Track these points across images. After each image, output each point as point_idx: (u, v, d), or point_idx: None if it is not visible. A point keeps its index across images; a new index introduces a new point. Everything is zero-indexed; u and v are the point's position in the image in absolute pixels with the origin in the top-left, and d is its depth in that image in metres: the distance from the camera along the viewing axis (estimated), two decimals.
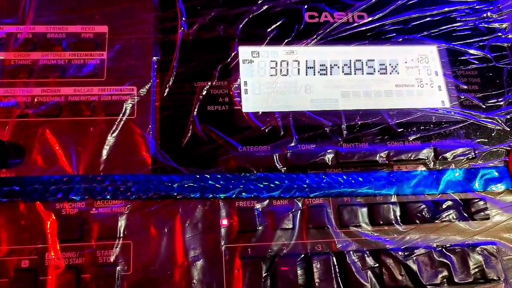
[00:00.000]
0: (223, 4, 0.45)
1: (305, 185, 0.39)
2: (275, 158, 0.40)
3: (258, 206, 0.39)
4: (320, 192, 0.39)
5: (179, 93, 0.41)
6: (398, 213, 0.40)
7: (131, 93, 0.41)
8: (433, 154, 0.42)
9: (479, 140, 0.43)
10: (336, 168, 0.41)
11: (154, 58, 0.42)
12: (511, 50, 0.47)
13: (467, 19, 0.48)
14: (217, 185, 0.38)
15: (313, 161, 0.40)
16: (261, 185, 0.39)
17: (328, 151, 0.41)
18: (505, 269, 0.39)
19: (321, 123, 0.42)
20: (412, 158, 0.41)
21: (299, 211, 0.39)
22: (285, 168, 0.40)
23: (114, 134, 0.39)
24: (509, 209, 0.41)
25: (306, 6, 0.46)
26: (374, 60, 0.45)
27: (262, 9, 0.45)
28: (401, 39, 0.46)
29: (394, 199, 0.40)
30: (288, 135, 0.41)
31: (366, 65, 0.45)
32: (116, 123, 0.40)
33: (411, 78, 0.45)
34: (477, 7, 0.49)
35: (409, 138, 0.42)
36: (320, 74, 0.44)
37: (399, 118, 0.43)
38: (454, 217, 0.40)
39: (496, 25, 0.48)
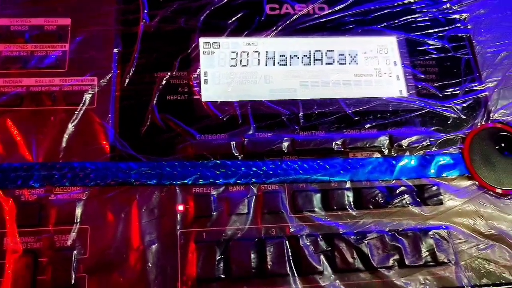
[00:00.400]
0: None
1: (261, 172, 0.40)
2: (232, 145, 0.41)
3: (214, 192, 0.40)
4: (275, 178, 0.40)
5: (139, 83, 0.42)
6: (351, 199, 0.41)
7: (92, 84, 0.42)
8: (388, 141, 0.43)
9: (435, 128, 0.44)
10: (292, 155, 0.42)
11: (115, 49, 0.43)
12: (469, 41, 0.48)
13: (427, 10, 0.49)
14: (174, 172, 0.39)
15: (270, 148, 0.41)
16: (218, 172, 0.40)
17: (285, 139, 0.42)
18: (456, 252, 0.40)
19: (279, 112, 0.43)
20: (367, 146, 0.42)
21: (255, 197, 0.40)
22: (242, 156, 0.41)
23: (74, 123, 0.40)
24: (461, 194, 0.42)
25: None
26: (333, 50, 0.46)
27: (224, 1, 0.46)
28: (360, 30, 0.47)
29: (348, 185, 0.41)
30: (246, 124, 0.42)
31: (326, 55, 0.46)
32: (76, 112, 0.41)
33: (370, 68, 0.46)
34: None
35: (365, 126, 0.43)
36: (280, 65, 0.45)
37: (356, 107, 0.44)
38: (408, 202, 0.41)
39: (455, 16, 0.49)
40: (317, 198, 0.40)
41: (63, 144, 0.40)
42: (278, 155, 0.42)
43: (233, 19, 0.46)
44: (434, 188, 0.42)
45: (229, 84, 0.44)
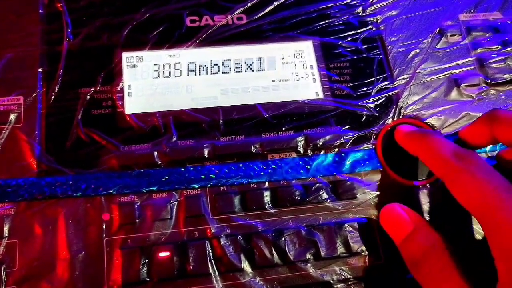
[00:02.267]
0: (107, 14, 0.48)
1: (183, 178, 0.43)
2: (155, 154, 0.43)
3: (137, 200, 0.42)
4: (197, 183, 0.43)
5: (64, 100, 0.44)
6: (269, 198, 0.43)
7: (18, 103, 0.43)
8: (304, 141, 0.45)
9: (349, 126, 0.47)
10: (213, 160, 0.44)
11: (40, 69, 0.45)
12: (382, 41, 0.51)
13: (341, 14, 0.51)
14: (99, 183, 0.42)
15: (191, 155, 0.44)
16: (141, 181, 0.42)
17: (206, 145, 0.44)
18: (369, 243, 0.43)
19: (200, 120, 0.45)
20: (284, 147, 0.45)
21: (177, 202, 0.42)
22: (164, 164, 0.43)
23: (1, 142, 0.42)
24: (374, 188, 0.45)
25: (187, 12, 0.49)
26: (252, 58, 0.49)
27: (145, 17, 0.48)
28: (278, 37, 0.50)
29: (266, 185, 0.43)
30: (168, 133, 0.44)
31: (245, 63, 0.48)
32: (3, 132, 0.42)
33: (288, 73, 0.49)
34: (351, 3, 0.52)
35: (282, 128, 0.46)
36: (201, 74, 0.47)
37: (274, 111, 0.46)
38: (323, 198, 0.44)
39: (369, 19, 0.52)
40: (237, 199, 0.43)
41: None
42: (200, 161, 0.44)
43: (155, 32, 0.48)
44: (348, 183, 0.44)
45: (152, 96, 0.46)
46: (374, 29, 0.52)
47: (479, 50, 0.52)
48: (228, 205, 0.43)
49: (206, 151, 0.44)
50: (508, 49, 0.51)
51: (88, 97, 0.45)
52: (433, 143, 0.39)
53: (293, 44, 0.50)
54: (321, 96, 0.48)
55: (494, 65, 0.50)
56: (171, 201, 0.42)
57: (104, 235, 0.41)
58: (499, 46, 0.51)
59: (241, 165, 0.44)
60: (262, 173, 0.44)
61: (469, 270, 0.35)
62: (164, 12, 0.49)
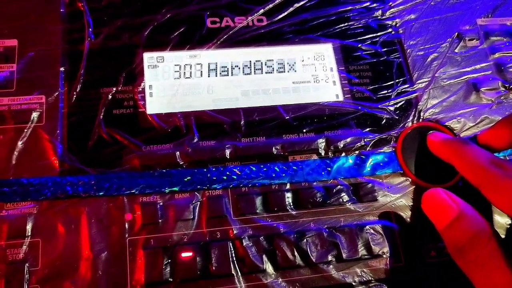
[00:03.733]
0: (128, 14, 0.48)
1: (206, 179, 0.43)
2: (177, 155, 0.43)
3: (160, 200, 0.42)
4: (219, 184, 0.43)
5: (86, 99, 0.44)
6: (291, 200, 0.43)
7: (40, 102, 0.43)
8: (325, 143, 0.45)
9: (369, 129, 0.47)
10: (234, 161, 0.44)
11: (62, 68, 0.45)
12: (401, 45, 0.51)
13: (360, 17, 0.52)
14: (121, 183, 0.42)
15: (213, 156, 0.44)
16: (164, 181, 0.42)
17: (227, 146, 0.44)
18: (390, 245, 0.43)
19: (221, 121, 0.45)
20: (305, 149, 0.45)
21: (199, 203, 0.42)
22: (186, 164, 0.43)
23: (23, 141, 0.42)
24: (395, 190, 0.45)
25: (208, 13, 0.49)
26: (273, 60, 0.49)
27: (166, 17, 0.48)
28: (298, 39, 0.50)
29: (288, 186, 0.43)
30: (190, 133, 0.44)
31: (265, 65, 0.48)
32: (26, 130, 0.42)
33: (308, 75, 0.49)
34: (370, 6, 0.52)
35: (303, 130, 0.46)
36: (222, 75, 0.48)
37: (294, 112, 0.46)
38: (344, 200, 0.44)
39: (388, 22, 0.52)
40: (258, 200, 0.43)
41: (13, 162, 0.41)
42: (221, 162, 0.44)
43: (176, 33, 0.48)
44: (369, 185, 0.44)
45: (174, 96, 0.46)
46: (393, 32, 0.52)
47: (497, 55, 0.52)
48: (250, 206, 0.43)
49: (227, 152, 0.44)
50: None
51: (109, 96, 0.45)
52: (469, 151, 0.39)
53: (313, 46, 0.50)
54: (341, 98, 0.48)
55: None
56: (194, 202, 0.42)
57: (126, 235, 0.41)
58: None
59: (262, 166, 0.44)
60: (283, 174, 0.44)
61: None
62: (185, 13, 0.49)
